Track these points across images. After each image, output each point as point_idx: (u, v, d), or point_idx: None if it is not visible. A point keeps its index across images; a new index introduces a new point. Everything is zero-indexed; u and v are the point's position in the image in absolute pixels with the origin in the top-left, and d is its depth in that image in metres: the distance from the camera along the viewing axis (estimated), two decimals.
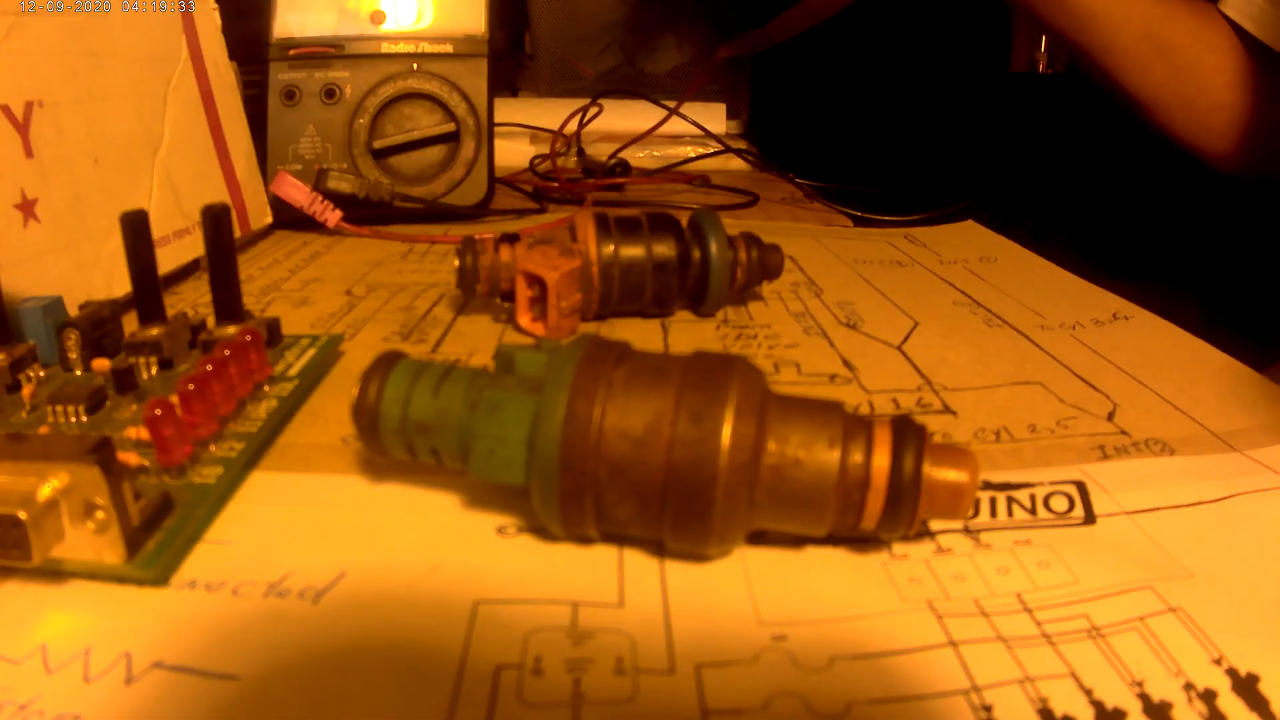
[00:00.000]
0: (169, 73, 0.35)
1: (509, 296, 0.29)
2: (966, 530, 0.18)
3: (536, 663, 0.14)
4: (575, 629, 0.15)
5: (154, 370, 0.22)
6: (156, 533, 0.16)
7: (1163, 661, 0.14)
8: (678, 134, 0.66)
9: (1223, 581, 0.16)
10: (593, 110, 0.61)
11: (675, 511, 0.16)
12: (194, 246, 0.35)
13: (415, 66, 0.45)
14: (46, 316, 0.23)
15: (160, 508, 0.17)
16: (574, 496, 0.16)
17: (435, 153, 0.46)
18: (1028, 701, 0.13)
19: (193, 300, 0.33)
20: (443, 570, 0.17)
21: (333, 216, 0.41)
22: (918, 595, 0.16)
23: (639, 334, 0.29)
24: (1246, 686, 0.14)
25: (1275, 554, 0.17)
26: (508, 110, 0.65)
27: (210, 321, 0.24)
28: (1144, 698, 0.13)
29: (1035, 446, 0.21)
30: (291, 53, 0.44)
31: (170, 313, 0.24)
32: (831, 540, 0.17)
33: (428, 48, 0.45)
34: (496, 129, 0.47)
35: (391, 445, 0.18)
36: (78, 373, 0.22)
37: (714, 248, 0.29)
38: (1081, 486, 0.19)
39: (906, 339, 0.29)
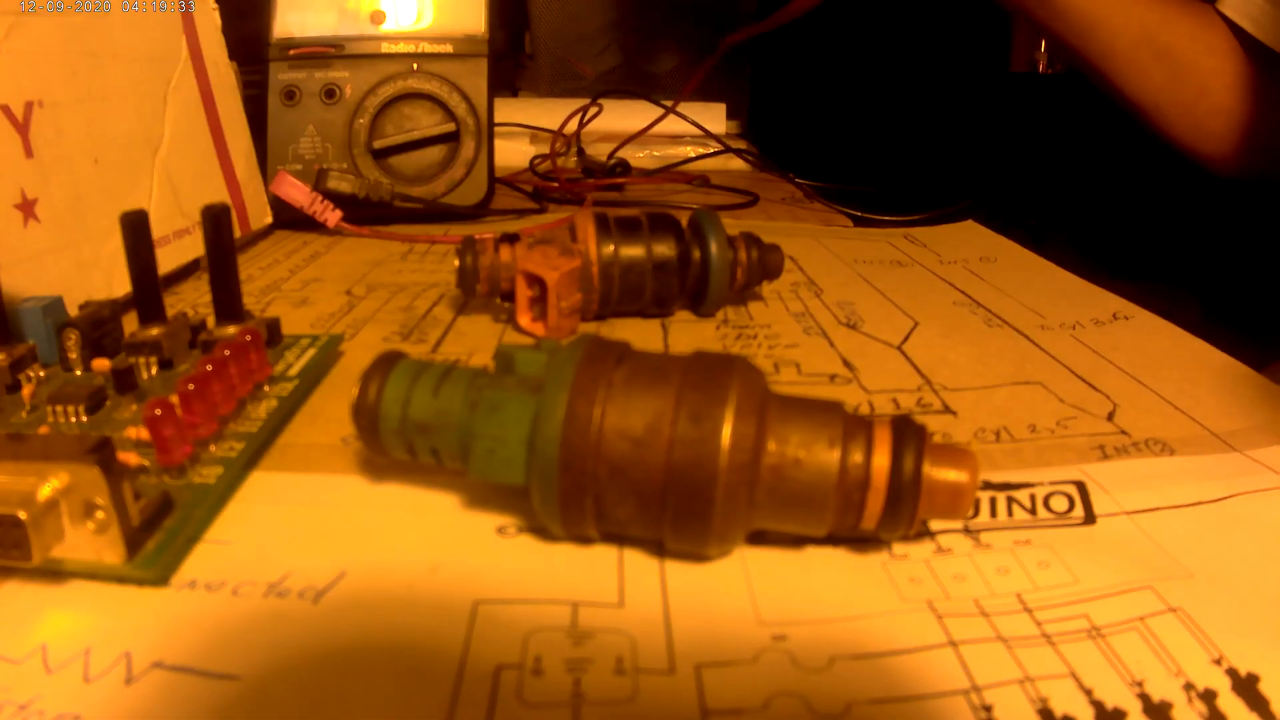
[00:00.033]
0: (169, 73, 0.35)
1: (509, 296, 0.29)
2: (966, 530, 0.18)
3: (536, 663, 0.14)
4: (575, 629, 0.15)
5: (154, 370, 0.22)
6: (156, 533, 0.16)
7: (1163, 661, 0.14)
8: (678, 134, 0.66)
9: (1223, 581, 0.16)
10: (593, 110, 0.61)
11: (675, 511, 0.16)
12: (194, 246, 0.35)
13: (415, 66, 0.45)
14: (46, 316, 0.23)
15: (160, 508, 0.17)
16: (574, 496, 0.16)
17: (435, 153, 0.46)
18: (1028, 701, 0.13)
19: (193, 300, 0.33)
20: (443, 570, 0.17)
21: (333, 216, 0.41)
22: (918, 595, 0.16)
23: (639, 334, 0.29)
24: (1246, 686, 0.14)
25: (1275, 554, 0.17)
26: (508, 110, 0.65)
27: (210, 321, 0.24)
28: (1144, 698, 0.13)
29: (1035, 446, 0.21)
30: (291, 53, 0.44)
31: (170, 313, 0.24)
32: (831, 540, 0.17)
33: (428, 48, 0.45)
34: (496, 129, 0.47)
35: (391, 445, 0.18)
36: (78, 373, 0.22)
37: (714, 248, 0.29)
38: (1081, 486, 0.19)
39: (906, 339, 0.29)
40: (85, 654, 0.14)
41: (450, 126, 0.45)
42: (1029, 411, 0.23)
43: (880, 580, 0.16)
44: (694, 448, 0.15)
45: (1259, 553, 0.17)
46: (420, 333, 0.29)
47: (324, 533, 0.18)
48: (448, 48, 0.45)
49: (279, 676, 0.14)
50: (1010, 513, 0.19)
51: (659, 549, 0.17)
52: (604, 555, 0.17)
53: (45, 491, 0.15)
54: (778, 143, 0.71)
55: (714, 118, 0.68)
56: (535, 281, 0.28)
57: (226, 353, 0.20)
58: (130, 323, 0.23)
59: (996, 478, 0.20)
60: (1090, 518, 0.18)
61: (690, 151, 0.64)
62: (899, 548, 0.17)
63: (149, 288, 0.23)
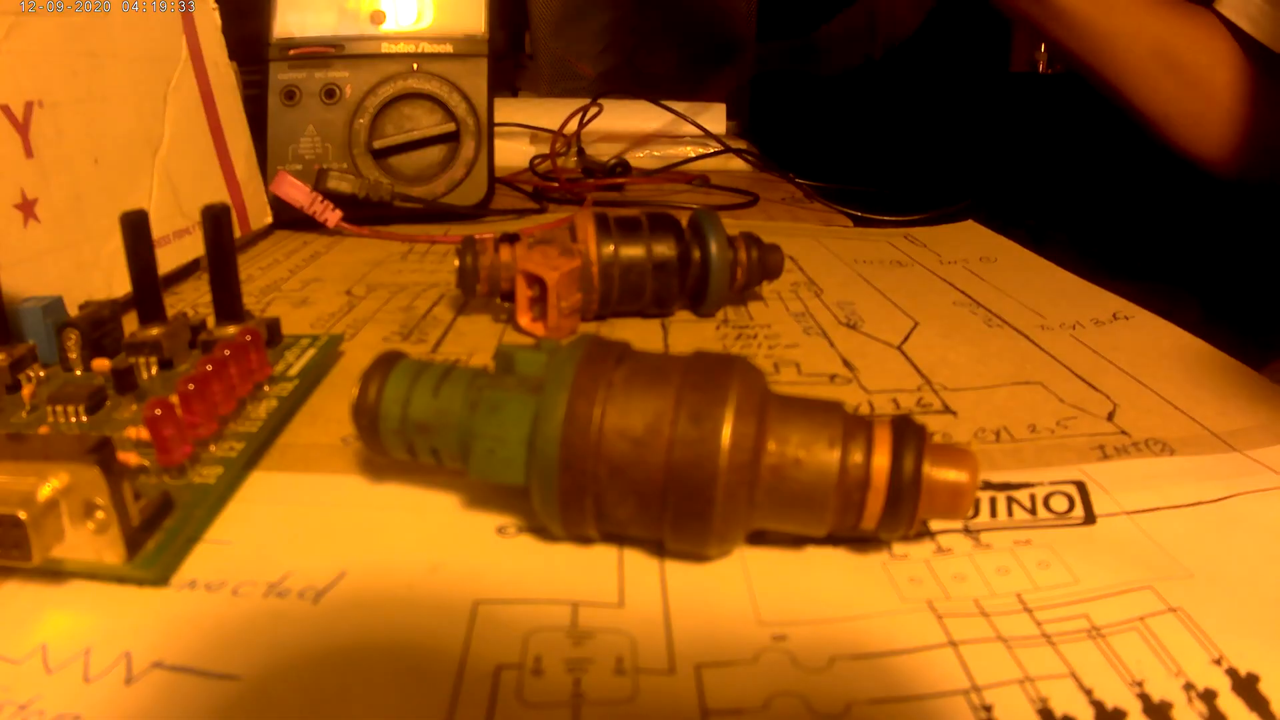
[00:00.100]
0: (169, 73, 0.35)
1: (509, 296, 0.29)
2: (966, 530, 0.18)
3: (536, 663, 0.14)
4: (575, 629, 0.15)
5: (154, 370, 0.22)
6: (156, 533, 0.16)
7: (1163, 661, 0.14)
8: (678, 134, 0.66)
9: (1223, 581, 0.16)
10: (593, 110, 0.61)
11: (675, 511, 0.16)
12: (194, 246, 0.35)
13: (415, 66, 0.45)
14: (46, 316, 0.23)
15: (160, 508, 0.17)
16: (574, 496, 0.16)
17: (435, 153, 0.46)
18: (1028, 701, 0.13)
19: (193, 300, 0.33)
20: (443, 570, 0.17)
21: (333, 216, 0.41)
22: (918, 595, 0.16)
23: (639, 334, 0.29)
24: (1246, 686, 0.14)
25: (1275, 554, 0.17)
26: (508, 110, 0.65)
27: (210, 321, 0.24)
28: (1144, 698, 0.13)
29: (1035, 446, 0.21)
30: (291, 53, 0.44)
31: (170, 313, 0.24)
32: (831, 540, 0.17)
33: (428, 48, 0.45)
34: (496, 129, 0.47)
35: (391, 445, 0.18)
36: (78, 373, 0.22)
37: (714, 248, 0.29)
38: (1081, 486, 0.19)
39: (906, 339, 0.29)
40: (85, 654, 0.14)
41: (450, 126, 0.45)
42: (1029, 411, 0.23)
43: (880, 580, 0.16)
44: (694, 448, 0.15)
45: (1259, 553, 0.17)
46: (420, 333, 0.29)
47: (324, 533, 0.18)
48: (448, 48, 0.45)
49: (279, 676, 0.14)
50: (1010, 513, 0.19)
51: (659, 549, 0.17)
52: (604, 555, 0.17)
53: (45, 491, 0.15)
54: (778, 143, 0.71)
55: (714, 118, 0.68)
56: (535, 281, 0.28)
57: (226, 353, 0.20)
58: (130, 323, 0.23)
59: (996, 478, 0.20)
60: (1090, 518, 0.18)
61: (690, 151, 0.64)
62: (899, 548, 0.17)
63: (149, 288, 0.23)
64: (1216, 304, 0.51)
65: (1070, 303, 0.33)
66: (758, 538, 0.17)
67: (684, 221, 0.30)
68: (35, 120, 0.27)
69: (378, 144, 0.45)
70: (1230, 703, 0.13)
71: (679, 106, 0.63)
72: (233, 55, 0.39)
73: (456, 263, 0.28)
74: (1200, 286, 0.52)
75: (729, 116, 0.73)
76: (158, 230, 0.30)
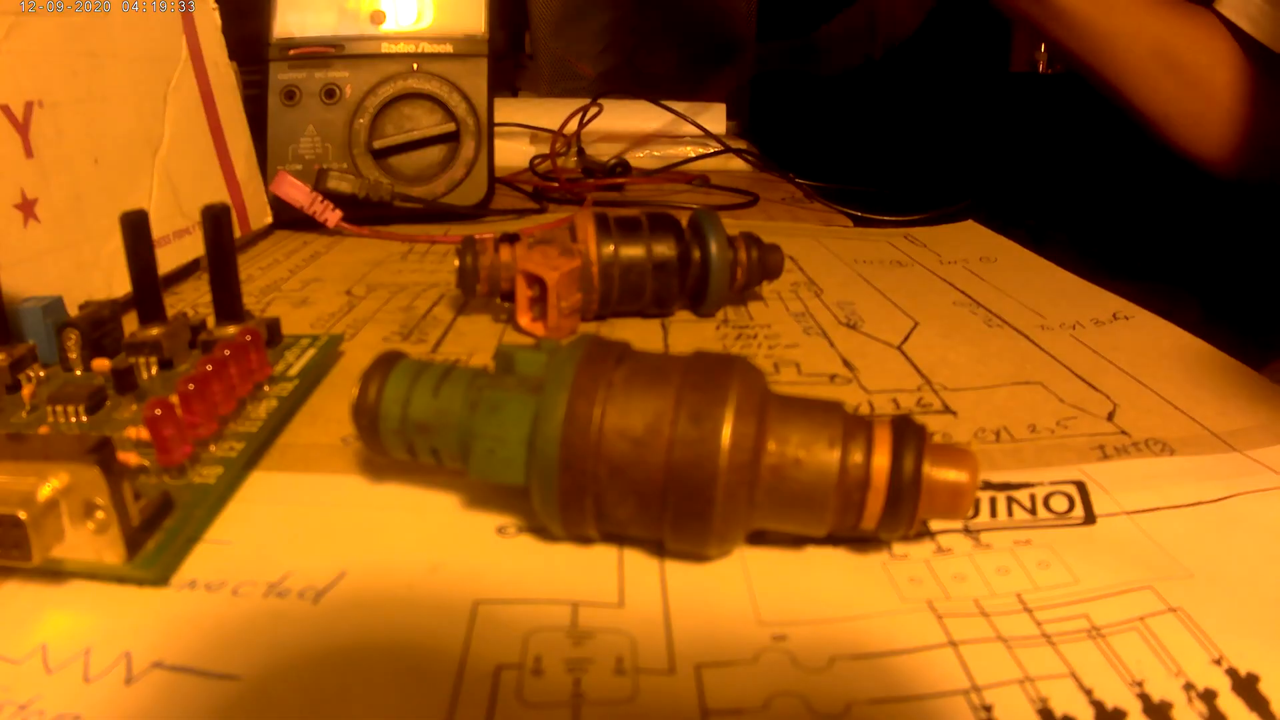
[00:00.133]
0: (169, 73, 0.35)
1: (509, 296, 0.29)
2: (966, 530, 0.18)
3: (536, 663, 0.14)
4: (575, 629, 0.15)
5: (154, 370, 0.22)
6: (156, 533, 0.16)
7: (1163, 661, 0.14)
8: (678, 134, 0.66)
9: (1223, 581, 0.16)
10: (593, 110, 0.61)
11: (675, 511, 0.16)
12: (194, 246, 0.35)
13: (415, 66, 0.45)
14: (46, 316, 0.23)
15: (160, 508, 0.17)
16: (574, 496, 0.16)
17: (435, 153, 0.46)
18: (1028, 701, 0.13)
19: (193, 300, 0.33)
20: (443, 570, 0.17)
21: (333, 216, 0.41)
22: (918, 595, 0.16)
23: (639, 334, 0.29)
24: (1246, 686, 0.14)
25: (1275, 554, 0.17)
26: (508, 110, 0.65)
27: (210, 321, 0.24)
28: (1144, 698, 0.13)
29: (1035, 446, 0.21)
30: (291, 53, 0.44)
31: (170, 313, 0.24)
32: (831, 540, 0.17)
33: (428, 48, 0.45)
34: (496, 129, 0.47)
35: (391, 445, 0.18)
36: (78, 373, 0.22)
37: (714, 248, 0.29)
38: (1081, 486, 0.19)
39: (906, 339, 0.29)
40: (85, 654, 0.14)
41: (450, 126, 0.45)
42: (1029, 411, 0.23)
43: (880, 580, 0.16)
44: (694, 448, 0.15)
45: (1259, 553, 0.17)
46: (420, 333, 0.29)
47: (324, 533, 0.18)
48: (448, 48, 0.45)
49: (279, 676, 0.14)
50: (1010, 513, 0.19)
51: (659, 549, 0.17)
52: (604, 555, 0.17)
53: (45, 491, 0.15)
54: (778, 143, 0.72)
55: (714, 118, 0.68)
56: (535, 281, 0.28)
57: (226, 353, 0.20)
58: (130, 323, 0.23)
59: (996, 478, 0.20)
60: (1090, 518, 0.18)
61: (690, 151, 0.64)
62: (899, 548, 0.17)
63: (149, 288, 0.23)
64: (1216, 304, 0.51)
65: (1070, 303, 0.33)
66: (758, 538, 0.17)
67: (684, 221, 0.30)
68: (35, 120, 0.27)
69: (378, 144, 0.45)
70: (1230, 703, 0.13)
71: (679, 106, 0.63)
72: (233, 55, 0.39)
73: (456, 263, 0.28)
74: (1200, 286, 0.52)
75: (729, 116, 0.73)
76: (158, 230, 0.30)
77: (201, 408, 0.19)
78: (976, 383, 0.25)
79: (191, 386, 0.18)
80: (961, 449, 0.16)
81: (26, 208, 0.26)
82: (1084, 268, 0.37)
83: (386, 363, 0.18)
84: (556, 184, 0.52)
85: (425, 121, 0.45)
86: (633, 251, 0.29)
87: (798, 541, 0.17)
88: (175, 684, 0.14)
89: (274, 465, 0.20)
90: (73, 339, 0.22)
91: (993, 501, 0.19)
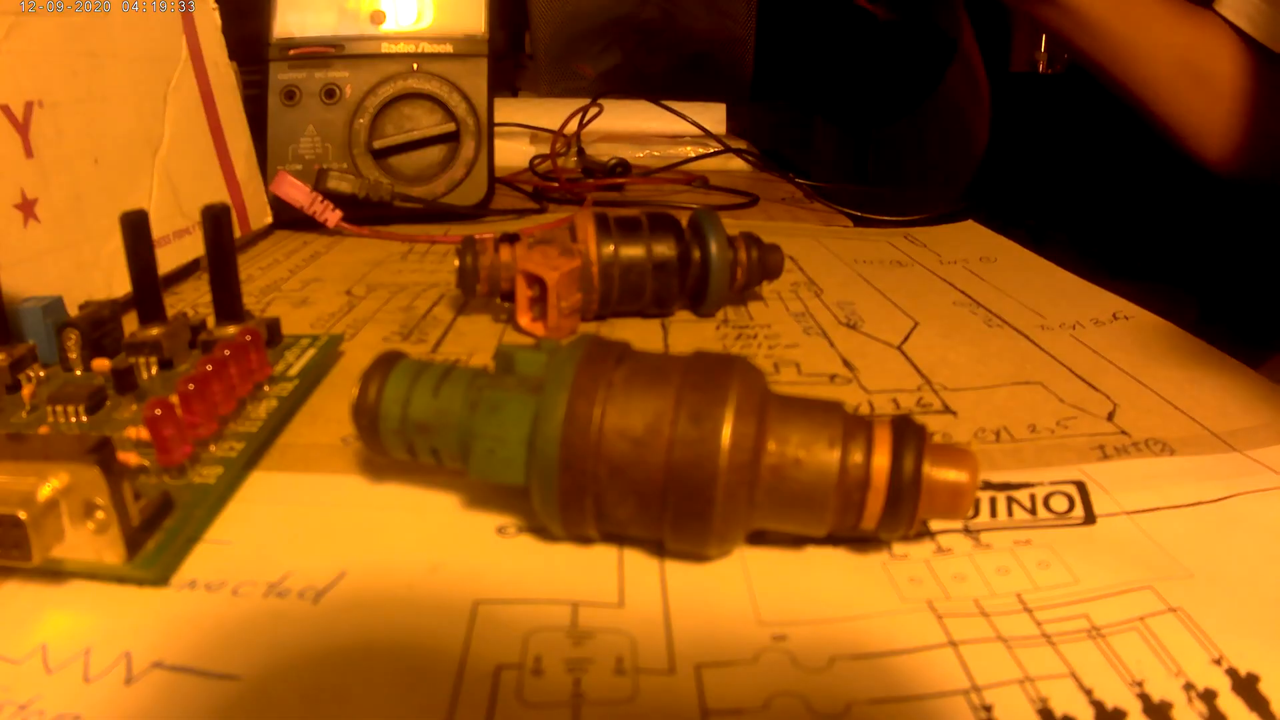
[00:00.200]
0: (169, 73, 0.35)
1: (509, 296, 0.29)
2: (966, 530, 0.18)
3: (536, 663, 0.14)
4: (575, 629, 0.15)
5: (154, 370, 0.22)
6: (156, 533, 0.16)
7: (1163, 661, 0.14)
8: (678, 134, 0.66)
9: (1223, 581, 0.16)
10: (593, 110, 0.61)
11: (675, 511, 0.16)
12: (194, 246, 0.35)
13: (415, 66, 0.45)
14: (46, 316, 0.23)
15: (160, 508, 0.17)
16: (574, 496, 0.16)
17: (435, 153, 0.46)
18: (1028, 701, 0.13)
19: (193, 300, 0.33)
20: (443, 570, 0.17)
21: (333, 216, 0.41)
22: (918, 595, 0.16)
23: (639, 334, 0.29)
24: (1246, 686, 0.14)
25: (1275, 554, 0.17)
26: (508, 110, 0.65)
27: (210, 321, 0.24)
28: (1144, 698, 0.13)
29: (1035, 446, 0.21)
30: (291, 53, 0.44)
31: (170, 313, 0.24)
32: (831, 540, 0.17)
33: (428, 48, 0.45)
34: (496, 129, 0.47)
35: (391, 445, 0.18)
36: (78, 373, 0.22)
37: (714, 248, 0.29)
38: (1081, 486, 0.19)
39: (906, 339, 0.29)
40: (85, 654, 0.14)
41: (450, 126, 0.45)
42: (1029, 411, 0.23)
43: (880, 580, 0.16)
44: (694, 448, 0.15)
45: (1259, 553, 0.17)
46: (420, 333, 0.29)
47: (324, 533, 0.18)
48: (448, 48, 0.45)
49: (279, 676, 0.14)
50: (1010, 513, 0.19)
51: (659, 549, 0.17)
52: (604, 555, 0.17)
53: (45, 491, 0.15)
54: (777, 142, 0.71)
55: (714, 118, 0.68)
56: (535, 281, 0.28)
57: (226, 353, 0.20)
58: (130, 323, 0.23)
59: (996, 478, 0.20)
60: (1090, 518, 0.18)
61: (690, 151, 0.64)
62: (899, 548, 0.17)
63: (149, 288, 0.23)
64: (1215, 304, 0.51)
65: (1070, 303, 0.33)
66: (758, 538, 0.17)
67: (684, 221, 0.30)
68: (35, 120, 0.27)
69: (378, 144, 0.45)
70: (1230, 703, 0.13)
71: (679, 106, 0.63)
72: (233, 55, 0.39)
73: (456, 263, 0.28)
74: (1199, 287, 0.52)
75: (729, 116, 0.73)
76: (158, 230, 0.30)
77: (201, 408, 0.19)
78: (976, 383, 0.25)
79: (191, 386, 0.18)
80: (961, 449, 0.16)
81: (26, 208, 0.26)
82: (1084, 268, 0.37)
83: (386, 363, 0.18)
84: (556, 184, 0.52)
85: (425, 121, 0.45)
86: (633, 251, 0.29)
87: (798, 541, 0.17)
88: (175, 684, 0.14)
89: (274, 465, 0.20)
90: (73, 339, 0.22)
91: (993, 501, 0.19)
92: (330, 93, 0.44)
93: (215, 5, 0.38)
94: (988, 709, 0.13)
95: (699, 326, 0.30)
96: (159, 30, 0.34)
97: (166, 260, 0.33)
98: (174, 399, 0.18)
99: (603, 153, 0.60)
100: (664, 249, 0.29)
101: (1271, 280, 0.49)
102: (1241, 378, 0.26)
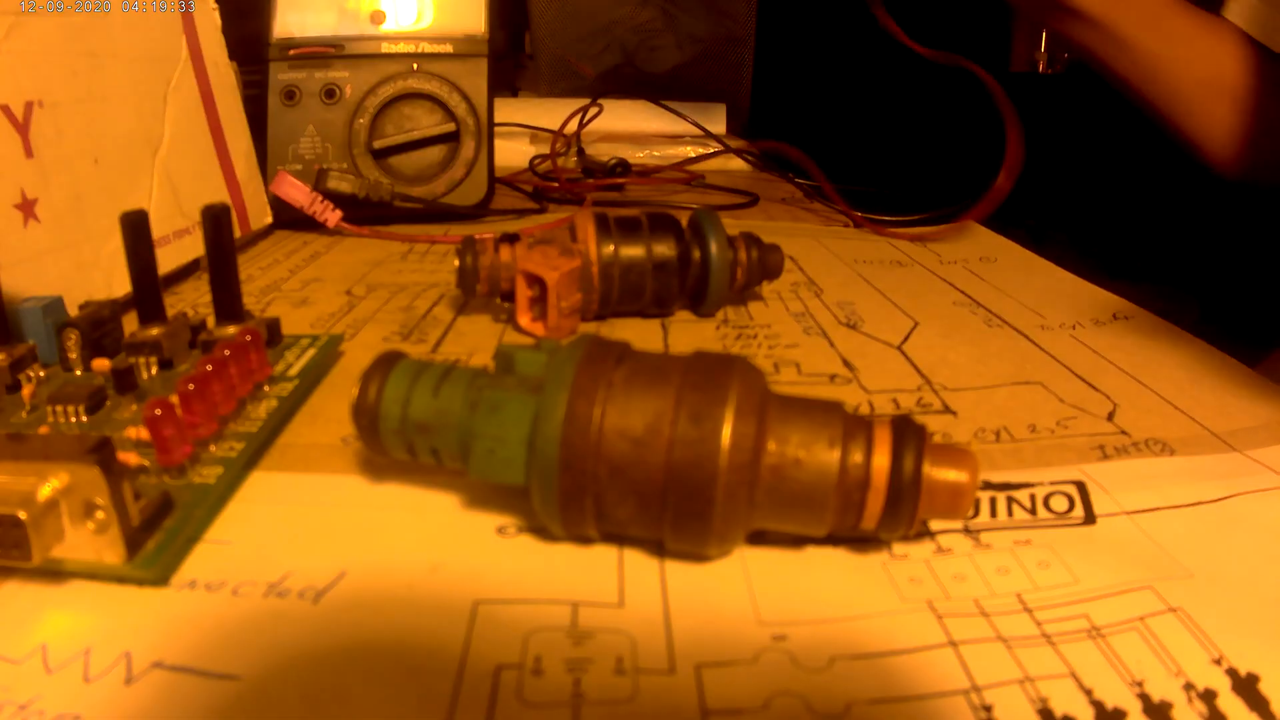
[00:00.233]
0: (169, 73, 0.35)
1: (509, 296, 0.29)
2: (966, 530, 0.18)
3: (536, 663, 0.14)
4: (575, 629, 0.15)
5: (154, 370, 0.22)
6: (156, 533, 0.16)
7: (1163, 661, 0.14)
8: (678, 134, 0.66)
9: (1223, 581, 0.16)
10: (593, 110, 0.61)
11: (675, 511, 0.16)
12: (194, 246, 0.35)
13: (415, 66, 0.45)
14: (46, 316, 0.23)
15: (160, 508, 0.17)
16: (574, 496, 0.16)
17: (435, 153, 0.46)
18: (1028, 701, 0.13)
19: (193, 300, 0.33)
20: (443, 570, 0.17)
21: (333, 216, 0.41)
22: (918, 595, 0.16)
23: (639, 334, 0.29)
24: (1246, 686, 0.14)
25: (1275, 554, 0.17)
26: (508, 110, 0.65)
27: (210, 321, 0.24)
28: (1144, 698, 0.13)
29: (1035, 446, 0.21)
30: (291, 53, 0.44)
31: (170, 313, 0.24)
32: (831, 540, 0.17)
33: (428, 48, 0.45)
34: (496, 129, 0.47)
35: (391, 445, 0.18)
36: (78, 373, 0.22)
37: (714, 248, 0.29)
38: (1081, 486, 0.19)
39: (906, 339, 0.29)
40: (85, 654, 0.14)
41: (450, 126, 0.45)
42: (1029, 411, 0.23)
43: (880, 580, 0.16)
44: (694, 448, 0.15)
45: (1259, 553, 0.17)
46: (420, 333, 0.29)
47: (324, 533, 0.18)
48: (448, 48, 0.45)
49: (279, 676, 0.14)
50: (1010, 513, 0.19)
51: (659, 549, 0.17)
52: (604, 555, 0.17)
53: (45, 491, 0.15)
54: (778, 143, 0.71)
55: (714, 118, 0.68)
56: (535, 281, 0.28)
57: (226, 353, 0.20)
58: (130, 323, 0.23)
59: (996, 478, 0.20)
60: (1090, 518, 0.18)
61: (690, 151, 0.64)
62: (899, 548, 0.17)
63: (149, 288, 0.23)
64: (1215, 304, 0.51)
65: (1070, 303, 0.33)
66: (758, 538, 0.17)
67: (684, 221, 0.30)
68: (35, 120, 0.27)
69: (378, 144, 0.45)
70: (1230, 703, 0.13)
71: (679, 106, 0.63)
72: (233, 55, 0.39)
73: (456, 263, 0.28)
74: (1200, 287, 0.52)
75: (729, 116, 0.73)
76: (158, 230, 0.30)
77: (201, 408, 0.19)
78: (976, 383, 0.25)
79: (191, 386, 0.18)
80: (961, 449, 0.16)
81: (26, 208, 0.26)
82: (1084, 268, 0.37)
83: (386, 363, 0.18)
84: (556, 184, 0.52)
85: (425, 121, 0.45)
86: (633, 251, 0.29)
87: (798, 541, 0.17)
88: (175, 684, 0.14)
89: (274, 465, 0.20)
90: (73, 339, 0.22)
91: (993, 501, 0.19)
92: (330, 93, 0.44)
93: (215, 5, 0.38)
94: (988, 709, 0.13)
95: (699, 326, 0.30)
96: (159, 30, 0.34)
97: (166, 260, 0.33)
98: (174, 399, 0.18)
99: (603, 153, 0.60)
100: (664, 249, 0.29)
101: (1271, 280, 0.49)
102: (1241, 378, 0.26)
